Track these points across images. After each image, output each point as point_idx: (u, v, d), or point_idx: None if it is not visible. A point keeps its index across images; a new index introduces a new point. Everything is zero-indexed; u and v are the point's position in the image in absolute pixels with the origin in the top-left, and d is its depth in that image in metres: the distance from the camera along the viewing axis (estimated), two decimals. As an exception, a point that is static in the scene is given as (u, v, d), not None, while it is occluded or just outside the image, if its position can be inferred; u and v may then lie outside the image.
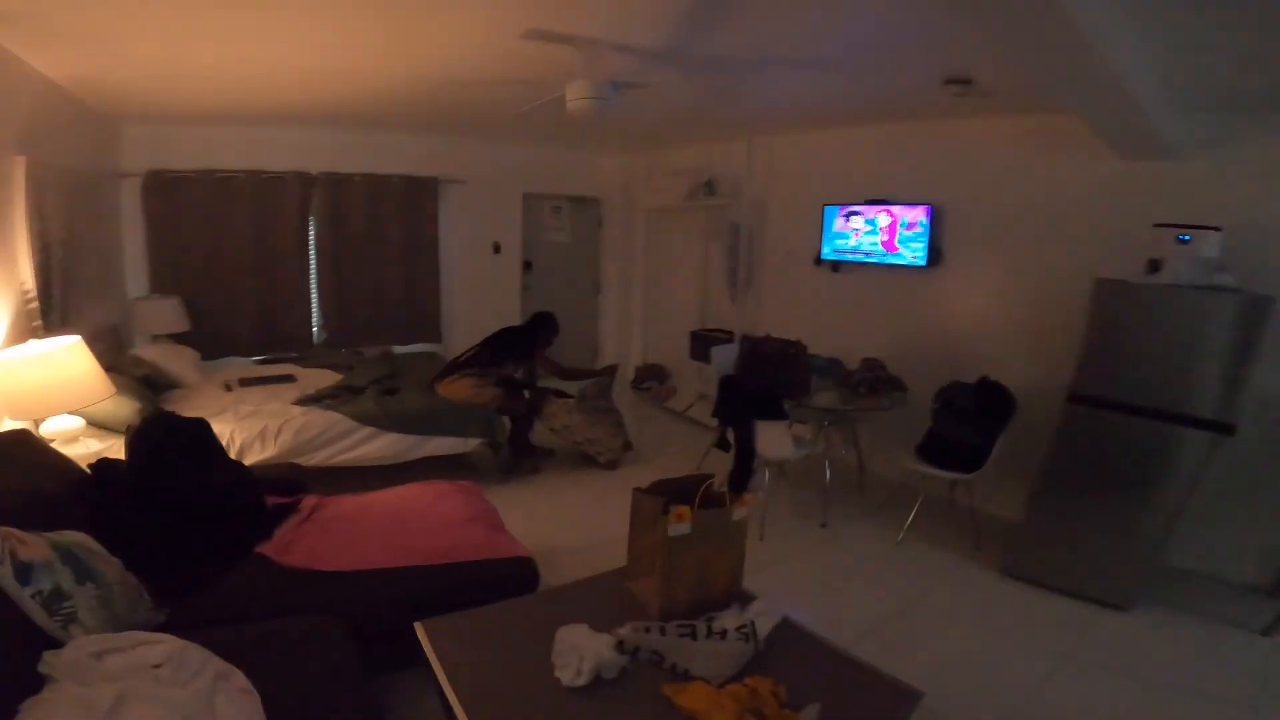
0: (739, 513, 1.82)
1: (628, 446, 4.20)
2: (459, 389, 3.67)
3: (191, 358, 3.84)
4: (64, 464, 2.09)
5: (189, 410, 3.08)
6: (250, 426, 3.04)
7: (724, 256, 5.10)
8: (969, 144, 3.67)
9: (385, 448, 3.33)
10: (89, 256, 3.77)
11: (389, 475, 3.43)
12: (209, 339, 4.61)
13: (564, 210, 6.30)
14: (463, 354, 3.88)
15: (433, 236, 5.29)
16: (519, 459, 3.91)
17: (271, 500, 2.34)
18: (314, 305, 4.97)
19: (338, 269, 4.95)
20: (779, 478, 3.78)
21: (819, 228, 4.32)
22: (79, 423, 2.61)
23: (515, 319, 5.75)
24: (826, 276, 4.46)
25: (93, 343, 3.31)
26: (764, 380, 3.40)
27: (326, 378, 3.98)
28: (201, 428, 2.18)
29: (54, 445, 2.43)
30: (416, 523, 2.25)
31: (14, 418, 2.31)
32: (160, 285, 4.46)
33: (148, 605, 1.71)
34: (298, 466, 2.63)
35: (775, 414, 3.22)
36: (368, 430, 3.27)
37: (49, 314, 2.88)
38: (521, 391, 3.95)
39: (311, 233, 4.87)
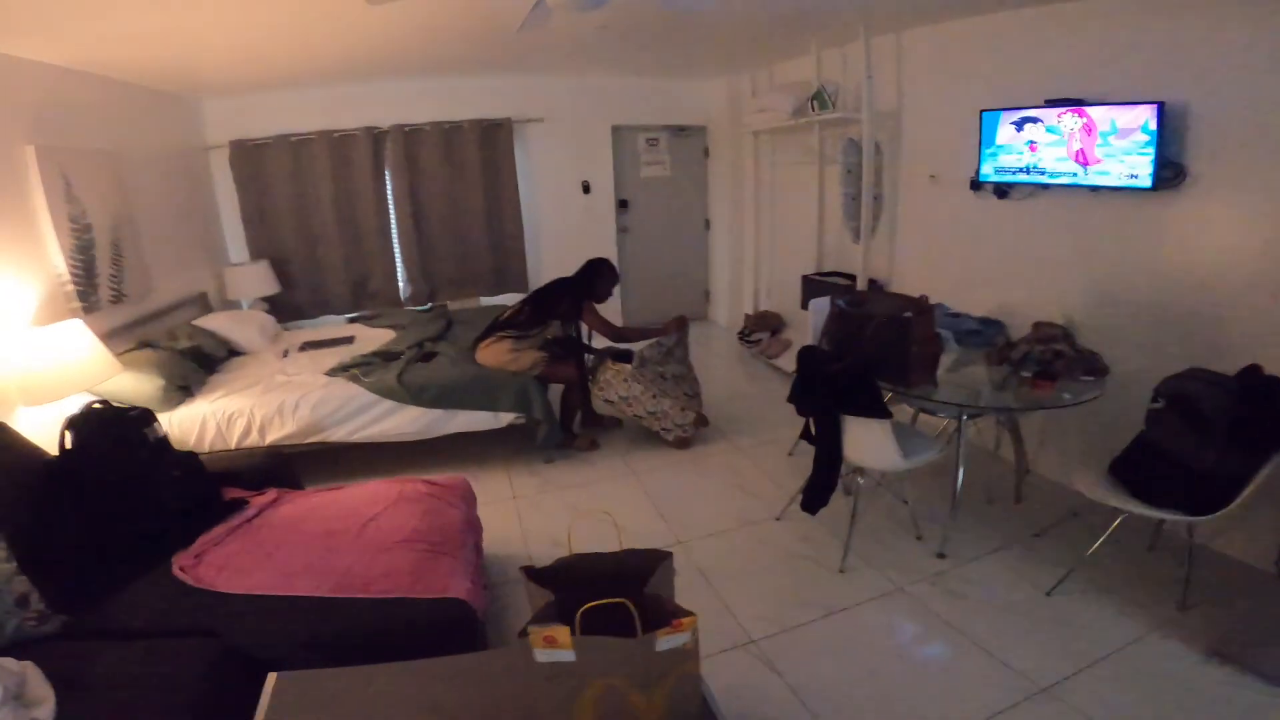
0: (668, 641, 0.98)
1: (701, 421, 3.57)
2: (495, 353, 3.27)
3: (261, 323, 3.92)
4: (25, 455, 2.03)
5: (228, 382, 3.15)
6: (269, 402, 2.95)
7: (843, 184, 4.06)
8: (1226, 11, 2.27)
9: (407, 423, 3.08)
10: (176, 228, 4.00)
11: (423, 452, 3.26)
12: (304, 300, 4.82)
13: (662, 141, 5.56)
14: (506, 311, 3.46)
15: (512, 180, 4.92)
16: (572, 433, 3.50)
17: (231, 495, 2.17)
18: (398, 260, 4.92)
19: (418, 222, 4.82)
20: (880, 487, 2.90)
21: (975, 141, 3.13)
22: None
23: (612, 259, 5.31)
24: (988, 205, 3.24)
25: (172, 311, 3.65)
26: (859, 356, 2.45)
27: (384, 338, 3.88)
28: (142, 420, 2.02)
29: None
30: (349, 540, 1.91)
31: (25, 404, 2.37)
32: (258, 250, 4.68)
33: (32, 613, 1.56)
34: (280, 455, 2.44)
35: (871, 407, 2.27)
36: (387, 404, 3.03)
37: (91, 294, 2.99)
38: (572, 355, 3.46)
39: (389, 187, 4.76)
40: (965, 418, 2.56)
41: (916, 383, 2.46)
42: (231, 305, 4.44)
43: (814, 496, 2.50)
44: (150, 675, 1.41)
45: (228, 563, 1.82)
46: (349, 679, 1.32)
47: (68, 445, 1.93)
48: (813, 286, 4.20)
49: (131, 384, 2.76)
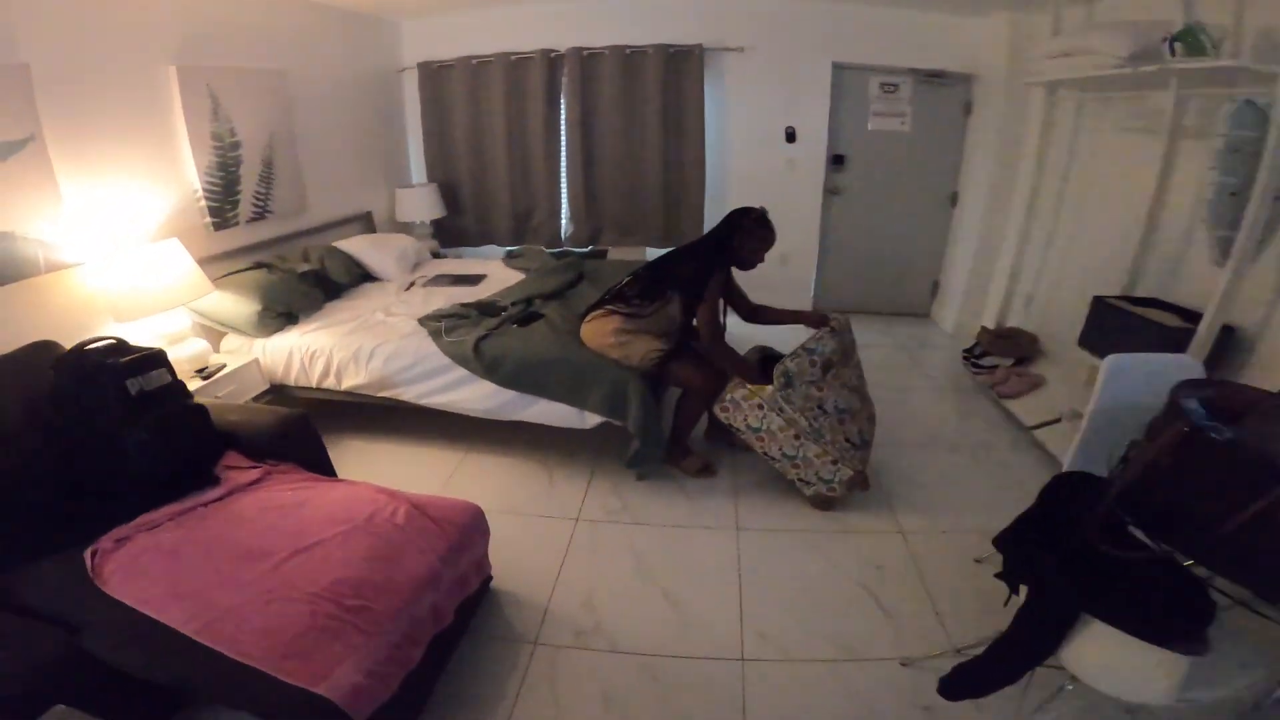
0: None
1: (859, 483, 2.56)
2: (598, 332, 2.62)
3: (402, 249, 3.84)
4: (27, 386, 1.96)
5: (334, 312, 3.08)
6: (349, 345, 2.76)
7: (1221, 168, 2.50)
8: None
9: (478, 399, 2.68)
10: (353, 148, 4.10)
11: (503, 427, 2.83)
12: (469, 227, 4.78)
13: (904, 89, 4.29)
14: (624, 279, 2.79)
15: (698, 117, 4.18)
16: (683, 447, 2.78)
17: (226, 463, 1.98)
18: (563, 196, 4.58)
19: (587, 157, 4.39)
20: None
21: None
22: (185, 323, 2.71)
23: (813, 226, 4.42)
24: None
25: (327, 230, 3.78)
26: (1201, 536, 1.23)
27: (512, 280, 3.60)
28: (126, 370, 1.80)
29: (160, 347, 2.58)
30: (263, 569, 1.54)
31: (116, 320, 2.46)
32: (433, 173, 4.69)
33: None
34: (301, 419, 2.17)
35: (1175, 631, 1.20)
36: (459, 373, 2.66)
37: (228, 210, 3.06)
38: (690, 347, 2.70)
39: (562, 117, 4.37)
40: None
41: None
42: (401, 227, 4.53)
43: (972, 682, 1.56)
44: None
45: (139, 557, 1.60)
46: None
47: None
48: (1111, 318, 2.81)
49: (227, 306, 2.77)
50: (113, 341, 1.93)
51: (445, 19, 4.35)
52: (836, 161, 4.47)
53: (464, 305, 3.03)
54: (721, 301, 2.59)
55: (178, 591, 1.49)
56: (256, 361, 2.82)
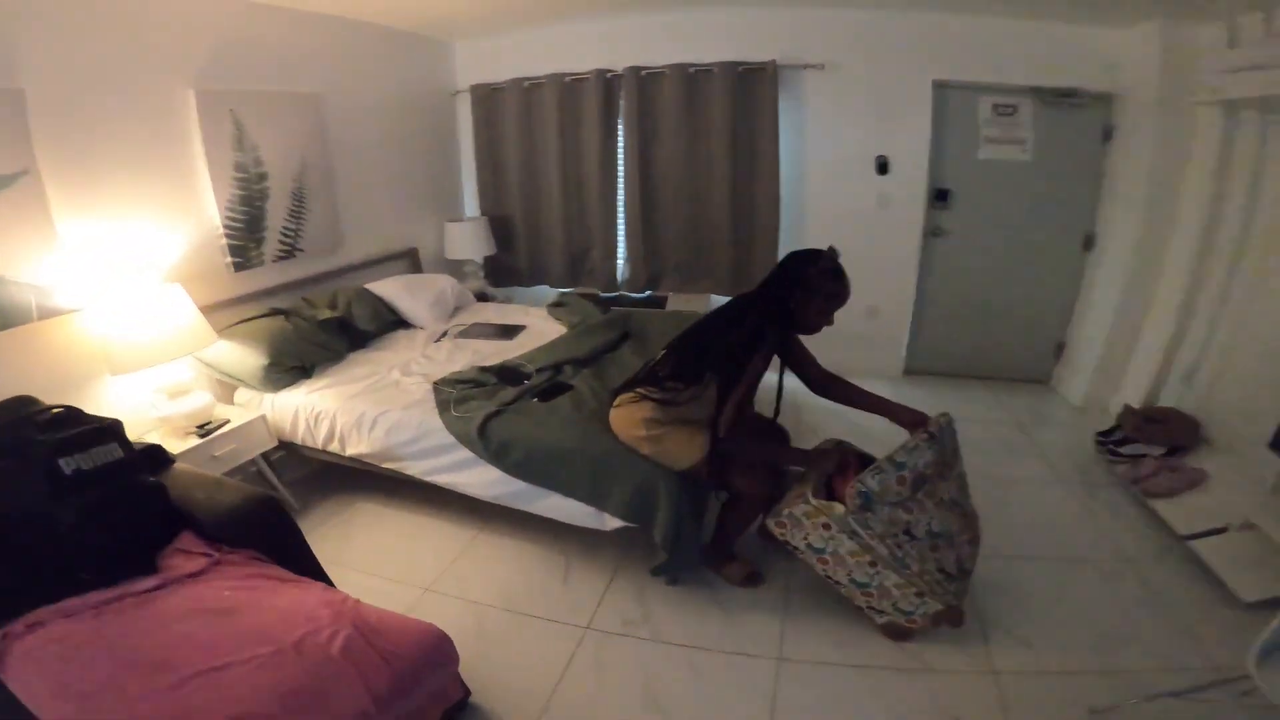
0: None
1: (949, 616, 2.03)
2: (627, 419, 2.21)
3: (440, 292, 3.67)
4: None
5: (350, 368, 2.94)
6: (353, 410, 2.58)
7: None
8: None
9: (484, 485, 2.41)
10: (398, 177, 4.00)
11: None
12: (522, 265, 4.61)
13: (1023, 111, 3.70)
14: (659, 353, 2.39)
15: (771, 145, 3.77)
16: (726, 553, 2.37)
17: (181, 547, 1.80)
18: (620, 234, 4.30)
19: (646, 190, 4.08)
20: None
21: None
22: (188, 375, 2.60)
23: (908, 274, 3.96)
24: None
25: (365, 268, 3.67)
26: None
27: (552, 334, 3.35)
28: (60, 448, 1.67)
29: (162, 398, 2.49)
30: (157, 691, 1.34)
31: (111, 372, 2.37)
32: (486, 205, 4.55)
33: None
34: (265, 503, 1.94)
35: None
36: (463, 454, 2.40)
37: (251, 249, 2.97)
38: (758, 446, 2.30)
39: (620, 145, 4.10)
40: None
41: None
42: (451, 264, 4.40)
43: None
44: None
45: (44, 646, 1.47)
46: None
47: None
48: None
49: (233, 358, 2.67)
50: (60, 411, 1.79)
51: (498, 39, 4.21)
52: (939, 197, 3.92)
53: (483, 370, 2.78)
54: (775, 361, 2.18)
55: (68, 692, 1.35)
56: (264, 418, 2.68)
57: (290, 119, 3.14)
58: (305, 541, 2.10)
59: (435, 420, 2.45)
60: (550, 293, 4.59)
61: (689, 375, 2.13)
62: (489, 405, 2.46)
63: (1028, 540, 2.61)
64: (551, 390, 2.62)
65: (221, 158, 2.80)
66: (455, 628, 2.20)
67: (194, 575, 1.72)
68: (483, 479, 2.40)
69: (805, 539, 2.04)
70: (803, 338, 2.26)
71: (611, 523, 2.25)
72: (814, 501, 1.98)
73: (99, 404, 2.43)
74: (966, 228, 3.97)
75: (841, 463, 2.11)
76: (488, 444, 2.33)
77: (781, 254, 3.92)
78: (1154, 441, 3.00)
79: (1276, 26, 2.66)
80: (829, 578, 2.08)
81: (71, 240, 2.30)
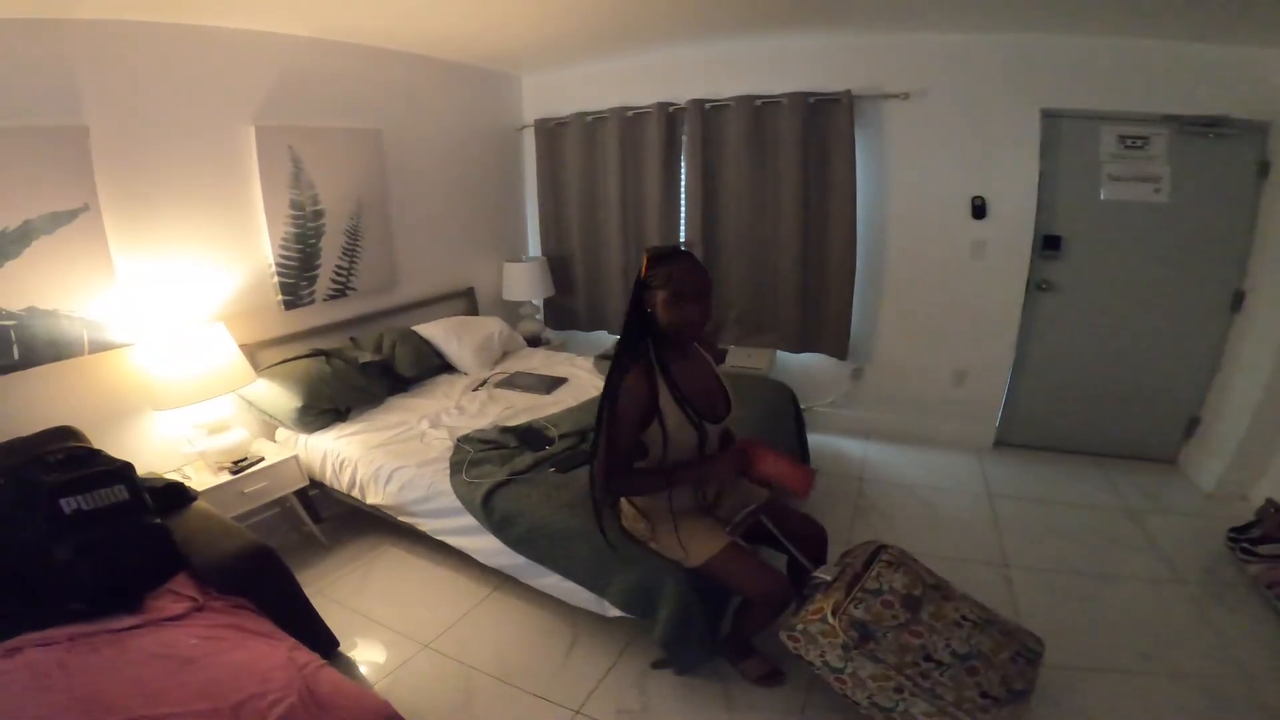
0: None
1: None
2: (625, 511, 2.14)
3: (486, 336, 3.73)
4: None
5: (384, 414, 3.04)
6: (372, 461, 2.65)
7: None
8: None
9: (488, 553, 2.39)
10: (457, 216, 4.14)
11: None
12: (581, 309, 4.63)
13: (1156, 143, 3.27)
14: None
15: (847, 186, 3.56)
16: (745, 645, 2.20)
17: (175, 588, 1.89)
18: (683, 281, 4.20)
19: (709, 232, 3.98)
20: None
21: None
22: (228, 411, 2.76)
23: (1008, 333, 3.67)
24: None
25: (419, 308, 3.87)
26: None
27: (595, 390, 3.28)
28: (61, 489, 1.78)
29: (200, 434, 2.65)
30: None
31: (154, 408, 2.55)
32: (548, 246, 4.61)
33: None
34: (261, 554, 1.99)
35: None
36: (468, 520, 2.38)
37: (304, 286, 3.15)
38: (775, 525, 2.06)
39: (683, 184, 4.03)
40: None
41: None
42: (509, 306, 4.48)
43: None
44: None
45: (13, 671, 1.55)
46: None
47: None
48: None
49: (271, 397, 2.82)
50: (76, 450, 1.96)
51: (562, 71, 4.29)
52: (1049, 245, 3.54)
53: (504, 430, 2.76)
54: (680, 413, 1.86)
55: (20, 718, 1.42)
56: (296, 458, 2.80)
57: (349, 155, 3.30)
58: (302, 593, 2.18)
59: (446, 482, 2.47)
60: (609, 339, 4.57)
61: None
62: (500, 472, 2.44)
63: (1122, 647, 2.26)
64: (572, 461, 2.54)
65: (278, 195, 2.99)
66: (440, 694, 2.16)
67: (173, 619, 1.80)
68: (488, 546, 2.38)
69: (822, 656, 1.83)
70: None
71: (613, 611, 2.15)
72: (832, 620, 1.78)
73: (142, 437, 2.65)
74: (1081, 281, 3.55)
75: (746, 455, 1.90)
76: (490, 514, 2.31)
77: (858, 309, 3.76)
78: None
79: None
80: (847, 696, 1.85)
81: (126, 275, 2.49)
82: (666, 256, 1.85)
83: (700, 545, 1.98)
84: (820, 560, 2.11)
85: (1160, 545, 2.89)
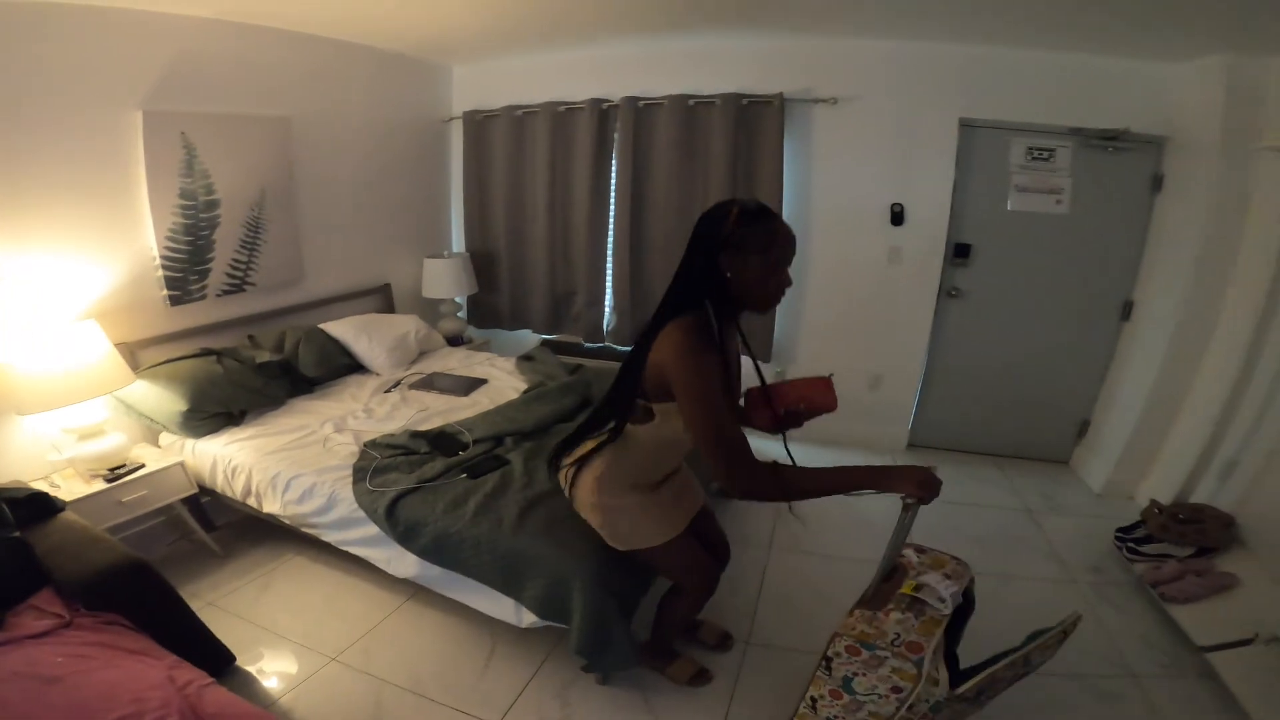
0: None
1: None
2: (584, 488, 1.84)
3: (401, 335, 3.61)
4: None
5: (281, 418, 2.89)
6: (269, 468, 2.51)
7: None
8: None
9: (395, 563, 2.29)
10: (377, 208, 4.00)
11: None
12: (504, 307, 4.55)
13: (1061, 156, 3.50)
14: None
15: (774, 188, 3.62)
16: (666, 650, 2.21)
17: (38, 604, 1.76)
18: (609, 280, 4.21)
19: (637, 232, 3.98)
20: None
21: None
22: (102, 415, 2.56)
23: (919, 338, 3.81)
24: None
25: (326, 305, 3.64)
26: None
27: (515, 391, 3.25)
28: None
29: (70, 440, 2.46)
30: None
31: (18, 413, 2.34)
32: (472, 242, 4.52)
33: None
34: (134, 569, 1.86)
35: None
36: (373, 530, 2.29)
37: (192, 281, 2.96)
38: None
39: (612, 185, 4.03)
40: None
41: None
42: (428, 304, 4.36)
43: None
44: None
45: None
46: None
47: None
48: None
49: (152, 400, 2.64)
50: None
51: (495, 62, 4.20)
52: (959, 253, 3.72)
53: (415, 435, 2.67)
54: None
55: None
56: (182, 464, 2.63)
57: (251, 143, 3.13)
58: (187, 608, 2.07)
59: (348, 490, 2.36)
60: (533, 339, 4.52)
61: (620, 400, 1.72)
62: (407, 480, 2.35)
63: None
64: (485, 465, 2.48)
65: (166, 184, 2.79)
66: (348, 708, 2.06)
67: (35, 636, 1.67)
68: (393, 556, 2.29)
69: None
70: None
71: (528, 618, 2.10)
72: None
73: (2, 444, 2.41)
74: (987, 288, 3.76)
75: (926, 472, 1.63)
76: (394, 525, 2.22)
77: (780, 312, 3.82)
78: (1181, 542, 2.75)
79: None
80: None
81: (-13, 268, 2.28)
82: (764, 215, 1.55)
83: (653, 529, 1.85)
84: (724, 563, 2.14)
85: (1055, 545, 3.07)
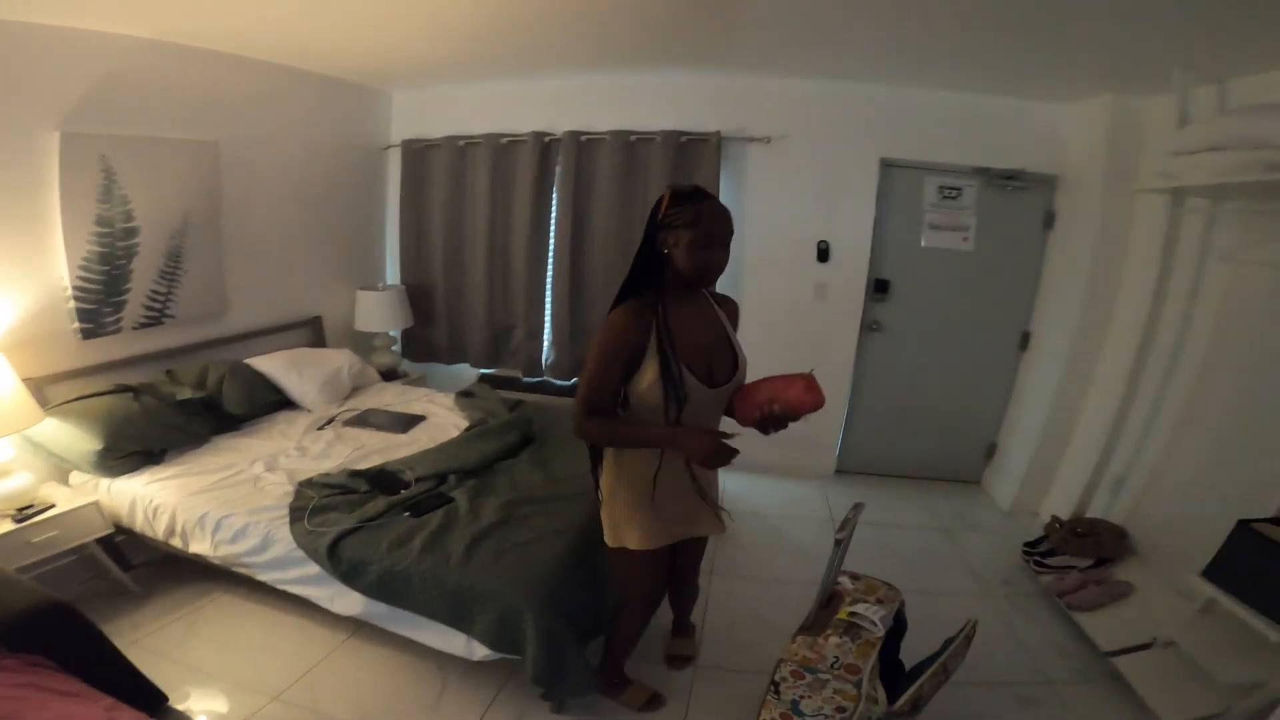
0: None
1: None
2: (604, 468, 1.92)
3: (333, 370, 3.53)
4: None
5: (204, 457, 2.77)
6: (195, 507, 2.40)
7: None
8: None
9: (338, 601, 2.23)
10: (309, 238, 3.90)
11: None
12: (441, 341, 4.49)
13: (967, 194, 3.83)
14: None
15: (709, 227, 3.79)
16: (618, 675, 2.23)
17: None
18: (548, 314, 4.24)
19: (576, 267, 4.05)
20: None
21: None
22: (6, 454, 2.40)
23: (844, 371, 3.99)
24: None
25: (255, 338, 3.53)
26: None
27: (456, 429, 3.22)
28: None
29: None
30: None
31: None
32: (408, 274, 4.46)
33: None
34: (57, 611, 1.76)
35: None
36: (311, 568, 2.23)
37: (107, 313, 2.82)
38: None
39: (553, 218, 4.09)
40: None
41: None
42: (361, 338, 4.27)
43: None
44: None
45: None
46: None
47: None
48: (1268, 557, 1.99)
49: (63, 439, 2.48)
50: None
51: (435, 90, 4.19)
52: (879, 288, 3.98)
53: (354, 474, 2.61)
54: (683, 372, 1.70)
55: None
56: (97, 504, 2.48)
57: (175, 169, 3.02)
58: (115, 649, 1.93)
59: (285, 530, 2.28)
60: (471, 374, 4.49)
61: None
62: (349, 519, 2.30)
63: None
64: (427, 504, 2.45)
65: (82, 210, 2.66)
66: None
67: None
68: (335, 594, 2.23)
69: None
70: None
71: (480, 651, 2.08)
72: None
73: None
74: (903, 322, 4.02)
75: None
76: (337, 563, 2.16)
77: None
78: (1081, 554, 3.01)
79: (1240, 99, 2.60)
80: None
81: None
82: (693, 195, 1.68)
83: (635, 533, 1.87)
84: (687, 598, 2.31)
85: (970, 560, 3.29)
